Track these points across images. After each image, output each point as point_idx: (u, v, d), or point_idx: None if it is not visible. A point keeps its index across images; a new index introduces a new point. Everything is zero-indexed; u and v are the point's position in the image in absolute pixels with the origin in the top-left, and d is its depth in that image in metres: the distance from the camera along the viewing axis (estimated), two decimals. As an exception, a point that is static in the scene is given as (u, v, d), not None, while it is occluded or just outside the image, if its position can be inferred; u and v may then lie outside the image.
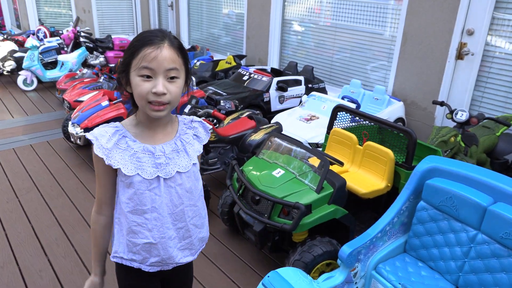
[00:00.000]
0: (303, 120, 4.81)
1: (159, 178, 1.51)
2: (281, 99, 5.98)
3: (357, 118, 3.61)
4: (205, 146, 3.77)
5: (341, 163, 3.03)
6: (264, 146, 3.28)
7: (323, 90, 6.47)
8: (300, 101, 6.21)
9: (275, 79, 5.91)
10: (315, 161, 3.30)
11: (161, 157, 1.51)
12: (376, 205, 3.40)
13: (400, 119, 5.38)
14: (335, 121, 3.77)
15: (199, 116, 3.87)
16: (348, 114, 3.71)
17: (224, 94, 5.64)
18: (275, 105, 5.93)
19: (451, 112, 4.03)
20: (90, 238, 2.02)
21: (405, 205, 2.75)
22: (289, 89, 5.95)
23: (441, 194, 2.54)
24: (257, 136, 4.12)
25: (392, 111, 5.23)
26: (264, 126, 4.29)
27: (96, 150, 1.46)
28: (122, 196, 1.52)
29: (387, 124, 3.23)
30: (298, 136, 4.50)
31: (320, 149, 4.42)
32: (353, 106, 4.80)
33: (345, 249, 2.56)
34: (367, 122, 3.55)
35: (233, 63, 7.48)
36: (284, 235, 2.97)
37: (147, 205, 1.51)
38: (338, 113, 3.72)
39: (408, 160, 3.16)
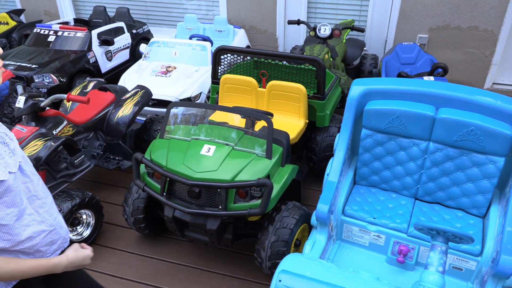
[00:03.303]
0: (159, 74, 4.00)
1: (19, 166, 1.32)
2: (109, 55, 4.85)
3: (243, 57, 3.13)
4: (68, 146, 2.71)
5: (271, 115, 2.59)
6: (165, 122, 2.51)
7: (148, 34, 5.55)
8: (135, 53, 5.21)
9: (94, 32, 4.68)
10: (236, 122, 2.76)
11: (11, 144, 1.32)
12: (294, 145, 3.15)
13: (247, 47, 5.10)
14: (219, 67, 3.20)
15: (41, 109, 2.69)
16: (230, 55, 3.18)
17: (34, 66, 4.18)
18: (104, 65, 4.78)
19: (314, 29, 3.95)
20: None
21: (350, 138, 2.58)
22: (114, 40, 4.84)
23: (386, 116, 2.43)
24: (126, 111, 3.20)
25: (240, 41, 4.88)
26: (127, 95, 3.35)
27: None
28: None
29: (291, 57, 2.88)
30: (165, 95, 3.75)
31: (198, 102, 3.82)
32: (208, 44, 4.22)
33: (322, 208, 2.26)
34: (249, 59, 3.12)
35: (12, 23, 5.62)
36: (239, 220, 2.45)
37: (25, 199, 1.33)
38: (221, 57, 3.15)
39: (320, 90, 2.94)
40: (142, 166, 2.46)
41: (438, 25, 4.60)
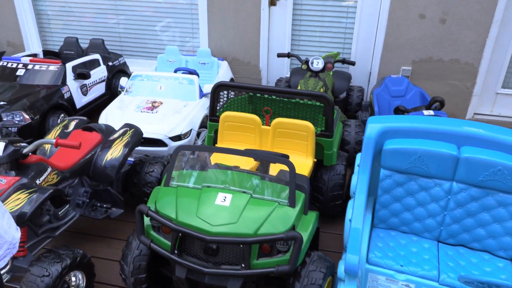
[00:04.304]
0: (145, 110, 3.73)
1: None
2: (84, 89, 4.51)
3: (237, 92, 2.96)
4: (52, 198, 2.38)
5: (286, 157, 2.40)
6: (171, 168, 2.26)
7: (124, 66, 5.27)
8: (111, 86, 4.90)
9: (69, 65, 4.35)
10: (250, 165, 2.56)
11: None
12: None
13: (231, 80, 4.94)
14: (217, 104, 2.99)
15: (23, 156, 2.35)
16: (226, 92, 3.00)
17: (2, 103, 3.77)
18: (79, 99, 4.43)
19: (306, 62, 3.86)
20: None
21: (369, 180, 2.43)
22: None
23: (407, 156, 2.32)
24: (116, 153, 2.90)
25: (224, 73, 4.72)
26: (114, 135, 3.05)
27: None
28: None
29: (300, 94, 2.74)
30: (153, 133, 3.48)
31: (185, 140, 3.58)
32: (196, 77, 4.02)
33: (352, 259, 2.07)
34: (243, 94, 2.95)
35: (-29, 54, 5.16)
36: (262, 277, 2.19)
37: None
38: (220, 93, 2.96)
39: (329, 127, 2.80)
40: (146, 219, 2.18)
41: (421, 58, 4.67)
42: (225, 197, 2.08)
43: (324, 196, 2.98)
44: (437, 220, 2.40)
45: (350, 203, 2.48)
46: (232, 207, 2.04)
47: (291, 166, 2.09)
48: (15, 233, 1.48)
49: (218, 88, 2.91)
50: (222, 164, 2.35)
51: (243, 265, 1.95)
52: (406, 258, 2.32)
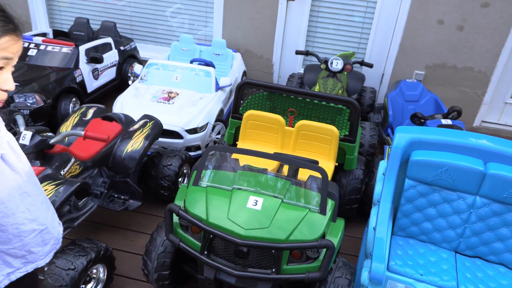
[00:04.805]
0: (161, 100, 3.69)
1: (7, 161, 1.23)
2: (95, 74, 4.44)
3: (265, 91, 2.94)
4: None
5: (316, 163, 2.41)
6: (201, 167, 2.25)
7: (135, 51, 5.19)
8: (121, 71, 4.81)
9: (82, 48, 4.26)
10: (272, 166, 2.56)
11: None
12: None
13: (244, 73, 4.91)
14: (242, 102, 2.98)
15: (49, 146, 2.31)
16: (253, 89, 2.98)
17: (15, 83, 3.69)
18: (90, 84, 4.36)
19: (325, 62, 3.85)
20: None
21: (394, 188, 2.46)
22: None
23: (434, 168, 2.35)
24: (136, 145, 2.87)
25: (238, 66, 4.68)
26: (134, 126, 3.02)
27: None
28: None
29: (327, 98, 2.73)
30: (170, 125, 3.44)
31: (201, 134, 3.56)
32: (213, 70, 3.98)
33: (378, 268, 2.11)
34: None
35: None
36: (290, 283, 2.21)
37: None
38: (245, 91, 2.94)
39: (353, 132, 2.81)
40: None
41: (435, 63, 4.69)
42: (256, 201, 2.08)
43: (341, 199, 3.01)
44: (457, 232, 2.45)
45: (373, 210, 2.51)
46: (263, 211, 2.04)
47: (324, 173, 2.10)
48: (59, 228, 1.48)
49: (244, 85, 2.89)
50: (251, 166, 2.34)
51: (273, 269, 1.97)
52: (425, 267, 2.36)
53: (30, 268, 1.37)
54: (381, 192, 2.47)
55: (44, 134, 2.29)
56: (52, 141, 2.28)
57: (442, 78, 4.74)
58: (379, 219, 2.34)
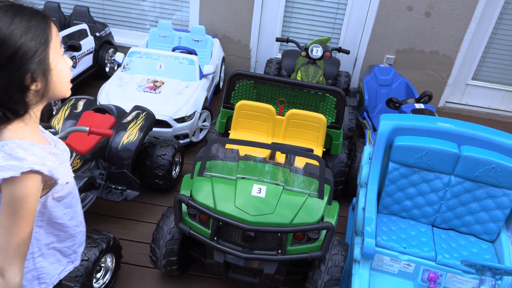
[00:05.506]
0: (147, 90, 3.72)
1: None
2: (73, 62, 4.36)
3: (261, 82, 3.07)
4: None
5: (311, 151, 2.59)
6: (205, 159, 2.37)
7: (110, 36, 5.10)
8: (98, 58, 4.74)
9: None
10: (265, 153, 2.71)
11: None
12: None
13: (223, 59, 4.97)
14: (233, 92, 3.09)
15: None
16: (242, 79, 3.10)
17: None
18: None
19: (305, 49, 4.00)
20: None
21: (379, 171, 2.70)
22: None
23: (415, 152, 2.60)
24: (132, 136, 2.94)
25: (218, 52, 4.74)
26: (127, 118, 3.07)
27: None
28: (56, 214, 1.28)
29: (314, 87, 2.90)
30: (158, 114, 3.50)
31: (189, 122, 3.65)
32: (196, 58, 4.03)
33: (370, 243, 2.34)
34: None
35: None
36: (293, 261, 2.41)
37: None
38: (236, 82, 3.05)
39: (339, 120, 3.02)
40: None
41: (404, 48, 4.97)
42: (260, 189, 2.25)
43: (328, 181, 3.23)
44: (434, 208, 2.74)
45: (361, 192, 2.75)
46: (267, 198, 2.22)
47: (321, 161, 2.29)
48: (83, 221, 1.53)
49: (235, 76, 3.00)
50: (251, 156, 2.50)
51: (279, 251, 2.16)
52: (407, 240, 2.65)
53: (70, 268, 1.45)
54: (367, 175, 2.71)
55: (48, 130, 2.31)
56: (57, 137, 2.31)
57: (410, 62, 5.03)
58: (368, 200, 2.58)
